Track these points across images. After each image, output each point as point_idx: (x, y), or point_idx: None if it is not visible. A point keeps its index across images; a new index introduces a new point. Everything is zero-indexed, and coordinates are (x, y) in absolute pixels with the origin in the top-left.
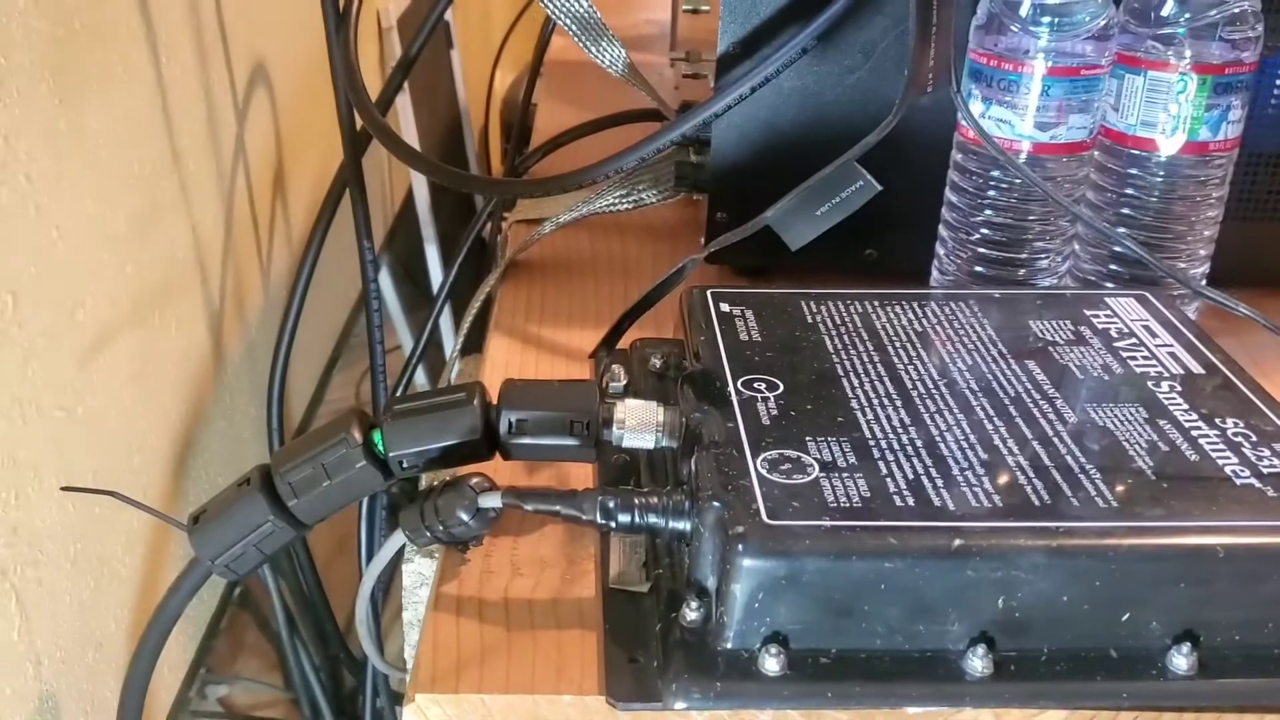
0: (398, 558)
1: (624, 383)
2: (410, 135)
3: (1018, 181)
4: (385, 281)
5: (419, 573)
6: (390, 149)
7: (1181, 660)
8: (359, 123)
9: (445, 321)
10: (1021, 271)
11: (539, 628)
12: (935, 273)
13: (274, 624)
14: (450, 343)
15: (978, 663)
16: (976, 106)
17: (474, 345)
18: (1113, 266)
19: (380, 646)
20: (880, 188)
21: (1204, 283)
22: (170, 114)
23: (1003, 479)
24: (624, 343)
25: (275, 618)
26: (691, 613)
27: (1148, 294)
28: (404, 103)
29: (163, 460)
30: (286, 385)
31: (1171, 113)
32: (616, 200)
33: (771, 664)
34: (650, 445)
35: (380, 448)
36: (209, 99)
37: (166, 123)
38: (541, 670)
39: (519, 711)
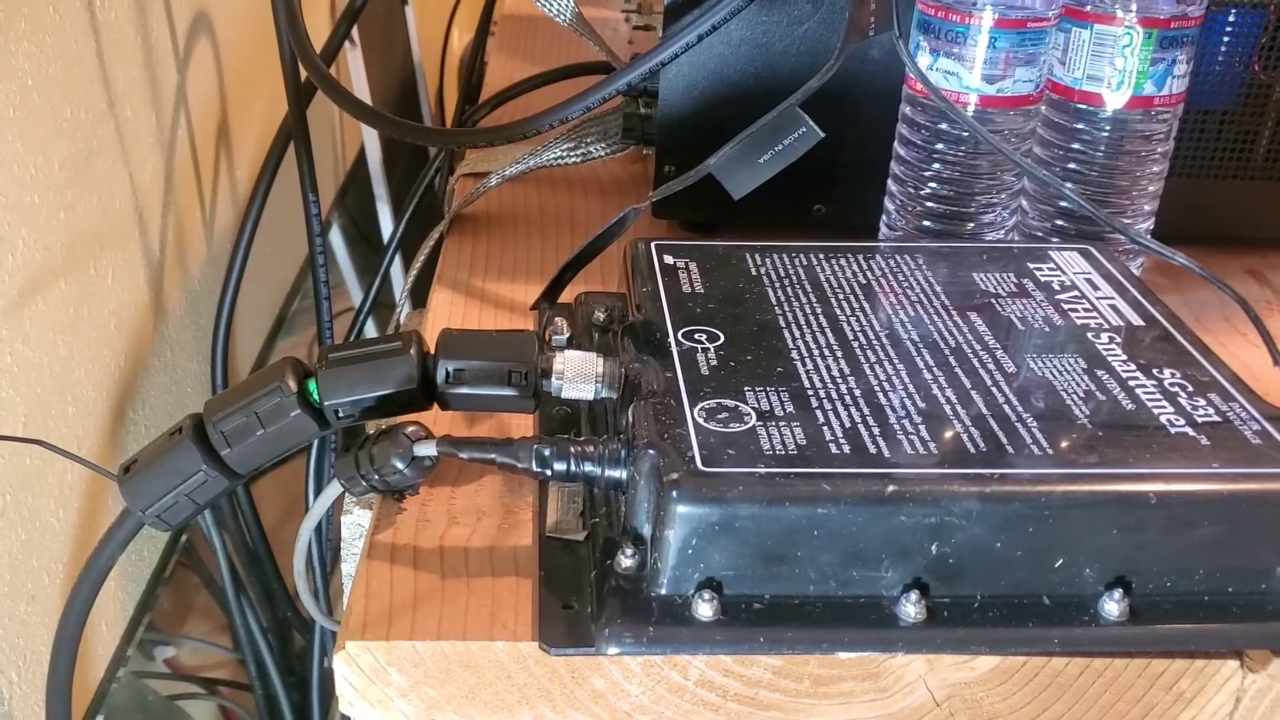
0: (339, 510)
1: (567, 335)
2: (363, 93)
3: (966, 135)
4: (338, 241)
5: (358, 524)
6: (333, 98)
7: (1113, 606)
8: (304, 74)
9: (399, 279)
10: (969, 226)
11: (474, 575)
12: (884, 228)
13: (221, 584)
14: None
15: (910, 609)
16: (924, 59)
17: (422, 300)
18: (1058, 222)
19: (323, 597)
20: (823, 134)
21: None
22: (106, 59)
23: (939, 427)
24: (570, 297)
25: (221, 578)
26: (627, 560)
27: (1091, 248)
28: (355, 59)
29: (99, 412)
30: (232, 342)
31: (1117, 67)
32: (564, 153)
33: (705, 609)
34: (590, 396)
35: (315, 396)
36: (147, 45)
37: (102, 68)
38: (475, 617)
39: (451, 658)
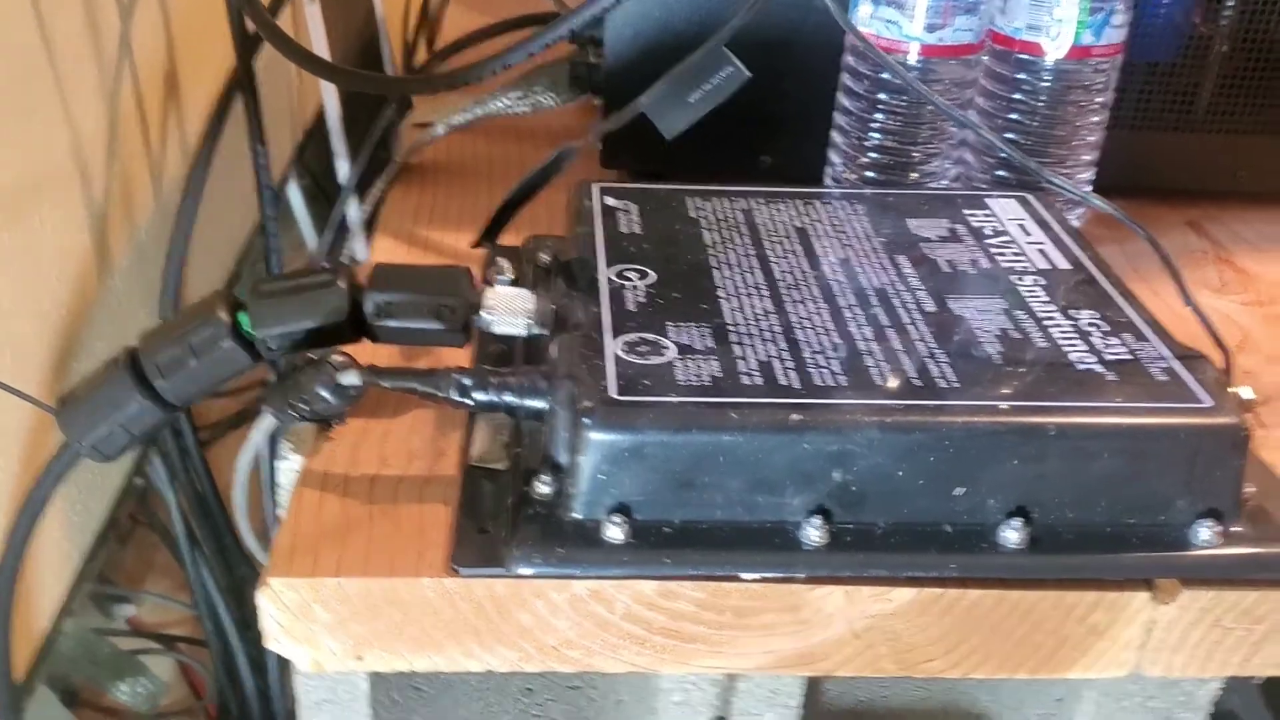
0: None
1: (511, 276)
2: (321, 46)
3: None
4: (297, 199)
5: (293, 470)
6: (279, 48)
7: (1012, 534)
8: (251, 26)
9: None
10: (912, 176)
11: (403, 512)
12: (828, 179)
13: (175, 537)
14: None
15: (814, 533)
16: (865, 8)
17: None
18: (999, 172)
19: (261, 534)
20: (749, 75)
21: (1089, 189)
22: (41, 6)
23: (851, 362)
24: (520, 241)
25: (176, 533)
26: (543, 486)
27: (1029, 196)
28: (314, 12)
29: (40, 362)
30: (183, 296)
31: (1056, 16)
32: (513, 102)
33: (615, 533)
34: (521, 332)
35: (247, 328)
36: None
37: (36, 15)
38: (402, 554)
39: (377, 594)
